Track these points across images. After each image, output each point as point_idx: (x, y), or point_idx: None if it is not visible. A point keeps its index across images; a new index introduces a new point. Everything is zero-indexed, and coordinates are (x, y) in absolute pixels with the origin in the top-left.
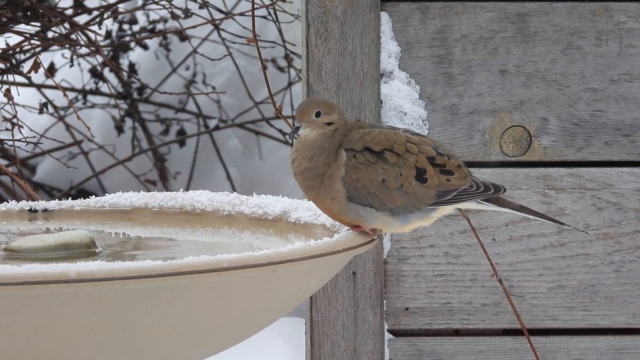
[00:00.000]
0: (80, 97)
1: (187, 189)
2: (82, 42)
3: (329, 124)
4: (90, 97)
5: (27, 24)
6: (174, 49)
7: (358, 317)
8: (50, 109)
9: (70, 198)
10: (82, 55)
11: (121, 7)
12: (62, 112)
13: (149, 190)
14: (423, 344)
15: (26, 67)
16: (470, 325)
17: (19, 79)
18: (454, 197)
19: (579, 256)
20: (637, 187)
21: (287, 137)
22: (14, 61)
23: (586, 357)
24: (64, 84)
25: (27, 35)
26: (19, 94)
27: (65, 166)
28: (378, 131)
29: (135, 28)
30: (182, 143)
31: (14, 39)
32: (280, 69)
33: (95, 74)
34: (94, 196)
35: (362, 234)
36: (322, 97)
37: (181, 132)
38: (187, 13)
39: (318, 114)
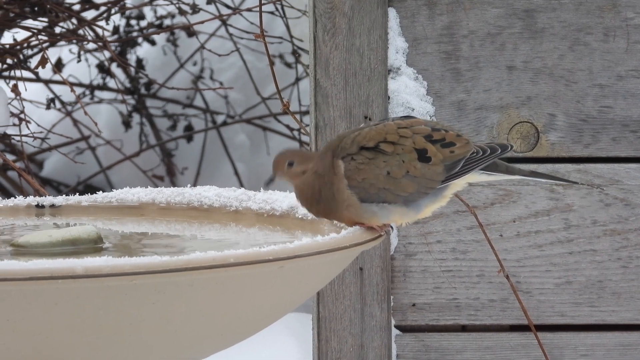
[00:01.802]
0: (87, 92)
1: (194, 184)
2: (89, 38)
3: (304, 172)
4: (97, 93)
5: (35, 19)
6: (181, 44)
7: (365, 313)
8: (58, 105)
9: (77, 193)
10: (89, 51)
11: (129, 2)
12: (69, 108)
13: (156, 186)
14: (430, 339)
15: (34, 62)
16: (477, 321)
17: (26, 74)
18: (463, 166)
19: (586, 252)
20: None
21: (262, 187)
22: (21, 56)
23: (593, 353)
24: (71, 80)
25: (35, 31)
26: (26, 90)
27: (72, 162)
28: (367, 129)
29: (143, 23)
30: (189, 138)
31: (21, 35)
32: (288, 65)
33: (103, 69)
34: (101, 192)
35: (370, 229)
36: (299, 149)
37: (189, 128)
38: (195, 9)
39: (291, 164)
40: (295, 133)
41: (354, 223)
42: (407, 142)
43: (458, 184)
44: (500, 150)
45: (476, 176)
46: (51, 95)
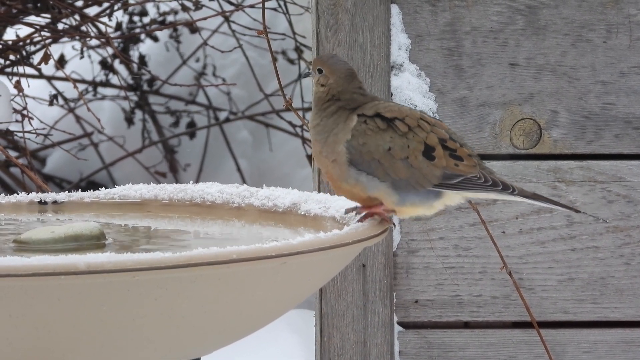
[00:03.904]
0: (90, 88)
1: (197, 181)
2: (92, 34)
3: (322, 85)
4: (100, 89)
5: (38, 15)
6: (184, 40)
7: (368, 310)
8: (61, 101)
9: (80, 190)
10: (92, 47)
11: None
12: (72, 104)
13: (158, 182)
14: (433, 336)
15: (36, 58)
16: (480, 317)
17: (29, 70)
18: (460, 182)
19: (589, 249)
20: None
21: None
22: (24, 53)
23: (596, 350)
24: (74, 76)
25: (38, 27)
26: (29, 86)
27: (75, 158)
28: (393, 104)
29: (146, 20)
30: (192, 135)
31: (24, 31)
32: (291, 61)
33: (106, 65)
34: (103, 188)
35: (372, 226)
36: (339, 60)
37: (191, 124)
38: (198, 5)
39: (320, 71)
40: (298, 129)
41: (332, 181)
42: (421, 134)
43: (451, 199)
44: (501, 187)
45: (476, 193)
46: (54, 92)
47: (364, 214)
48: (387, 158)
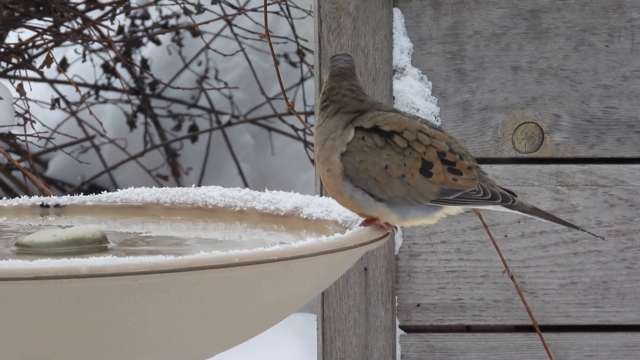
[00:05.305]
0: (92, 92)
1: (199, 184)
2: (94, 37)
3: (323, 93)
4: (102, 93)
5: (40, 19)
6: (186, 44)
7: (369, 313)
8: (63, 104)
9: (82, 193)
10: (94, 51)
11: (133, 2)
12: (74, 108)
13: (161, 186)
14: (434, 340)
15: (38, 62)
16: (481, 321)
17: (31, 74)
18: (458, 197)
19: (591, 253)
20: None
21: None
22: (26, 56)
23: (598, 354)
24: (76, 79)
25: (40, 31)
26: (31, 89)
27: (77, 161)
28: (393, 114)
29: (148, 23)
30: (194, 139)
31: (26, 34)
32: (293, 65)
33: (108, 69)
34: (105, 191)
35: (374, 229)
36: (340, 59)
37: (193, 128)
38: (200, 9)
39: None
40: (300, 133)
41: (328, 189)
42: (419, 149)
43: (451, 209)
44: (500, 200)
45: (477, 205)
46: (56, 95)
47: (364, 219)
48: (383, 176)
